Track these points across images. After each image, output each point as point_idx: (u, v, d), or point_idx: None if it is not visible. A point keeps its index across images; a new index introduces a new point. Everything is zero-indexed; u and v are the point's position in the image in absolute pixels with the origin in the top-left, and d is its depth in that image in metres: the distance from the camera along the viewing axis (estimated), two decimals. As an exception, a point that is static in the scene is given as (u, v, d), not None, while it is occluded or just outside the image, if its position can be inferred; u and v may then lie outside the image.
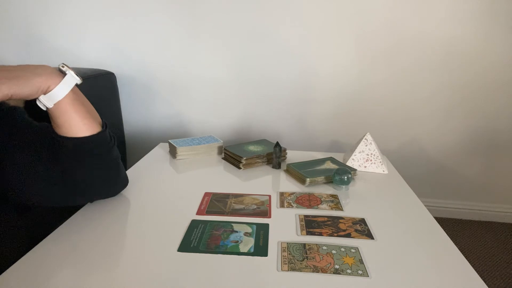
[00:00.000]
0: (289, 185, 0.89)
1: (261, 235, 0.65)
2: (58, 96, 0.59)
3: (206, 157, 1.08)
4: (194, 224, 0.69)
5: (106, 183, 0.72)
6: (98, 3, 1.72)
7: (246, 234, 0.66)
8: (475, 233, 1.77)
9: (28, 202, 0.65)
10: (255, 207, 0.77)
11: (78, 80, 0.61)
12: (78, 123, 0.62)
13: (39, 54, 1.80)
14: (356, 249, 0.62)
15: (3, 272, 0.54)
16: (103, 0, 1.71)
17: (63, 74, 0.60)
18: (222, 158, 1.07)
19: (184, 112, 1.87)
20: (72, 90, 0.61)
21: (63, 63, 0.61)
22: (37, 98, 0.58)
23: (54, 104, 0.59)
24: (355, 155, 1.02)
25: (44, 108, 0.60)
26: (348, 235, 0.67)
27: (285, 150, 1.05)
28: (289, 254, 0.60)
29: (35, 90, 0.56)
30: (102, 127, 0.66)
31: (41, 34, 1.78)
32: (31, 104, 0.61)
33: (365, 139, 1.03)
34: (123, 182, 0.77)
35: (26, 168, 0.61)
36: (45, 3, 1.72)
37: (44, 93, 0.58)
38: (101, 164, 0.67)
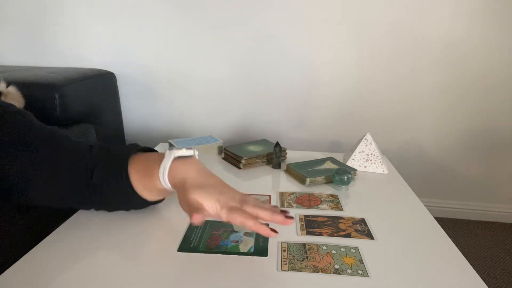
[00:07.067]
0: (289, 185, 0.89)
1: (261, 235, 0.65)
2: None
3: (206, 157, 1.08)
4: (194, 224, 0.69)
5: None
6: (99, 4, 1.72)
7: (246, 234, 0.66)
8: (475, 233, 1.77)
9: (39, 204, 0.64)
10: (255, 207, 0.77)
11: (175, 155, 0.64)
12: (154, 197, 0.68)
13: (40, 54, 1.80)
14: (356, 249, 0.62)
15: (3, 272, 0.54)
16: (103, 0, 1.71)
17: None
18: (222, 158, 1.07)
19: (184, 112, 1.87)
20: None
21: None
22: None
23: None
24: (355, 155, 1.02)
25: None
26: (348, 235, 0.67)
27: (285, 150, 1.05)
28: (289, 254, 0.60)
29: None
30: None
31: (42, 34, 1.78)
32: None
33: (365, 139, 1.03)
34: None
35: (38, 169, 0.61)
36: (45, 4, 1.73)
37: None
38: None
